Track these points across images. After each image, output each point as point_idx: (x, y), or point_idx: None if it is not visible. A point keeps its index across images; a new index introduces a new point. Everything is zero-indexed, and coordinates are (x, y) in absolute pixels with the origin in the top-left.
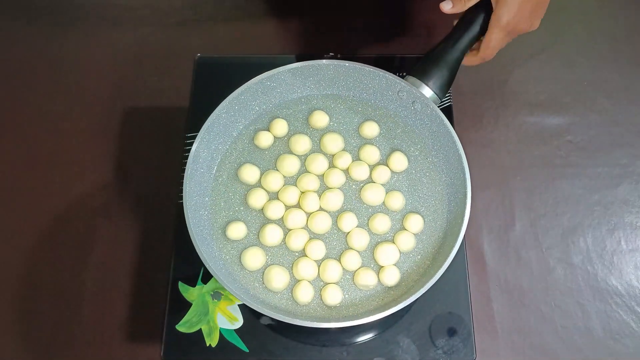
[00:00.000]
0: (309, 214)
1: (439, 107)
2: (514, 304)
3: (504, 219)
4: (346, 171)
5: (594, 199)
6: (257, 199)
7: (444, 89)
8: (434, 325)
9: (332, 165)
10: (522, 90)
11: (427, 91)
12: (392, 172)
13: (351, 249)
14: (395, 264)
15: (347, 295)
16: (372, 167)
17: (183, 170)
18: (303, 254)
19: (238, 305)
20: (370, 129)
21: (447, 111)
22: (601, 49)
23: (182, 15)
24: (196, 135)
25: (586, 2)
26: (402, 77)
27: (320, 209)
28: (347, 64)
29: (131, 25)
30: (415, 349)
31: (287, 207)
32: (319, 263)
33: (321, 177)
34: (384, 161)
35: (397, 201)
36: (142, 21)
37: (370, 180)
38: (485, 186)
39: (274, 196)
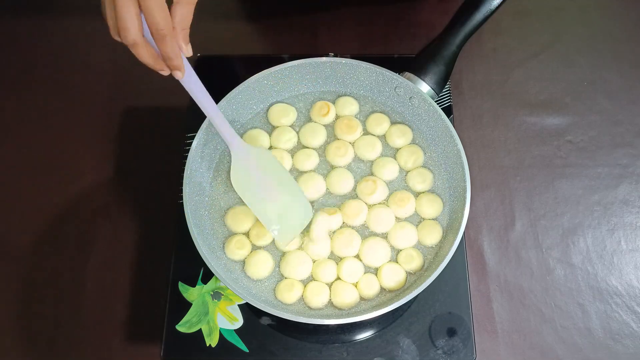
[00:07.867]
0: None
1: (436, 102)
2: (514, 304)
3: (504, 219)
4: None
5: (594, 199)
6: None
7: (440, 84)
8: (434, 325)
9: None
10: (522, 90)
11: (424, 87)
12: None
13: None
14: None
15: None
16: (374, 162)
17: (183, 170)
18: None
19: (238, 305)
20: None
21: (447, 111)
22: (601, 49)
23: None
24: (195, 134)
25: (586, 2)
26: (399, 73)
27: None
28: (343, 61)
29: None
30: (415, 349)
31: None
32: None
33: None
34: (392, 155)
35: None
36: None
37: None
38: (485, 186)
39: None
